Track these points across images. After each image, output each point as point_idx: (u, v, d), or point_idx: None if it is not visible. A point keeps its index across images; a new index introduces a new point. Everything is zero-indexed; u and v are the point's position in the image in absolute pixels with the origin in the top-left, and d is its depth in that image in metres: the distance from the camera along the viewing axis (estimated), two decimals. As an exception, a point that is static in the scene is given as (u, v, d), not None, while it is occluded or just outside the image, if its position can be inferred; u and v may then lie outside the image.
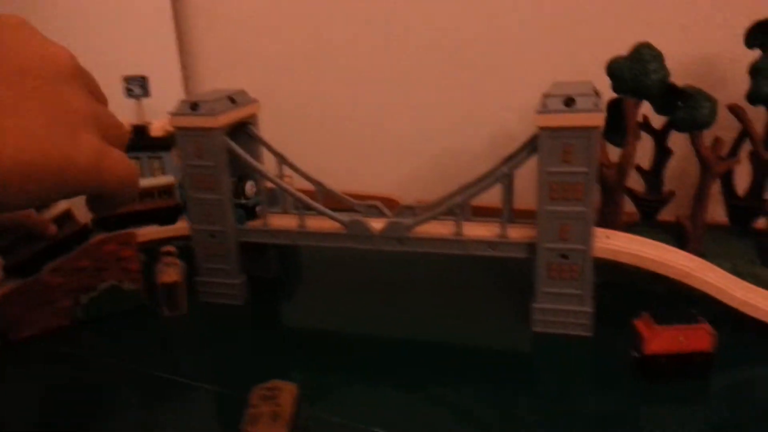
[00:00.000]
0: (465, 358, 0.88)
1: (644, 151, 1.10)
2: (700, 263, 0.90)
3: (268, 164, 1.08)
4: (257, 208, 1.05)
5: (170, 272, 1.03)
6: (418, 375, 0.85)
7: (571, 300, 0.89)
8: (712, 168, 0.98)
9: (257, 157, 1.09)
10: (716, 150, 0.99)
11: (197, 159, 0.99)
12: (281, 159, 1.08)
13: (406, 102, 1.38)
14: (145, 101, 1.13)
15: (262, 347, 0.95)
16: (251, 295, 1.07)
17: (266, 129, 1.12)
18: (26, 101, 0.30)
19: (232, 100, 1.02)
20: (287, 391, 0.69)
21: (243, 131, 1.06)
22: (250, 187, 1.04)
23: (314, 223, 1.01)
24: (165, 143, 1.13)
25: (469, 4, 1.26)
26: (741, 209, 1.08)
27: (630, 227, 1.06)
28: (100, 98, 0.37)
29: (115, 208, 0.37)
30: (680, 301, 0.87)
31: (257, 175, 1.04)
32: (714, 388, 0.79)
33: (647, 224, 1.11)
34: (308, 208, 0.99)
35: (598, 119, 0.80)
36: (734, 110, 0.98)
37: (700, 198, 1.01)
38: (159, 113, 1.07)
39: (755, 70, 0.94)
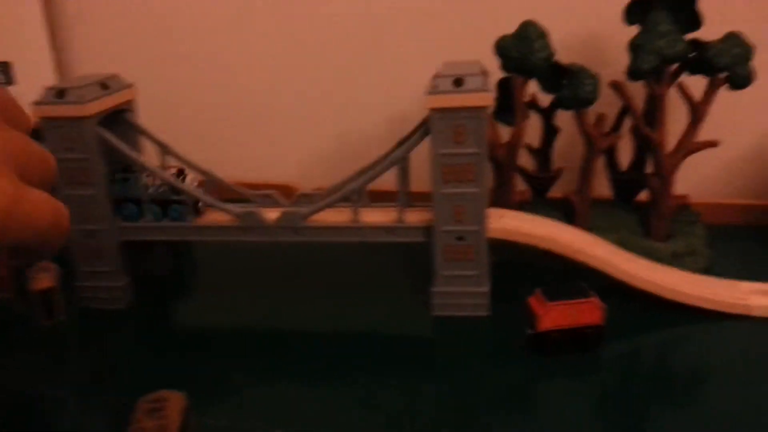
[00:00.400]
0: (366, 348, 0.86)
1: (533, 129, 1.12)
2: (588, 239, 0.93)
3: (150, 155, 1.01)
4: (199, 204, 0.96)
5: (44, 278, 0.94)
6: (320, 368, 0.82)
7: (469, 281, 0.90)
8: (596, 144, 1.01)
9: (137, 147, 1.01)
10: (600, 126, 1.02)
11: (67, 152, 0.90)
12: (164, 149, 1.01)
13: (299, 87, 1.33)
14: (10, 89, 1.02)
15: (149, 354, 0.88)
16: (138, 296, 1.00)
17: (149, 117, 1.04)
18: None
19: (104, 85, 0.94)
20: (174, 402, 0.64)
21: (119, 120, 0.98)
22: (191, 180, 0.96)
23: (205, 217, 0.95)
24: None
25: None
26: (625, 183, 1.12)
27: (522, 205, 1.08)
28: (18, 123, 0.30)
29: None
30: (572, 276, 0.89)
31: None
32: (605, 359, 0.82)
33: (539, 202, 1.14)
34: (198, 200, 0.93)
35: (488, 99, 0.80)
36: (616, 86, 1.02)
37: (585, 174, 1.04)
38: (27, 103, 0.97)
39: (634, 47, 0.97)
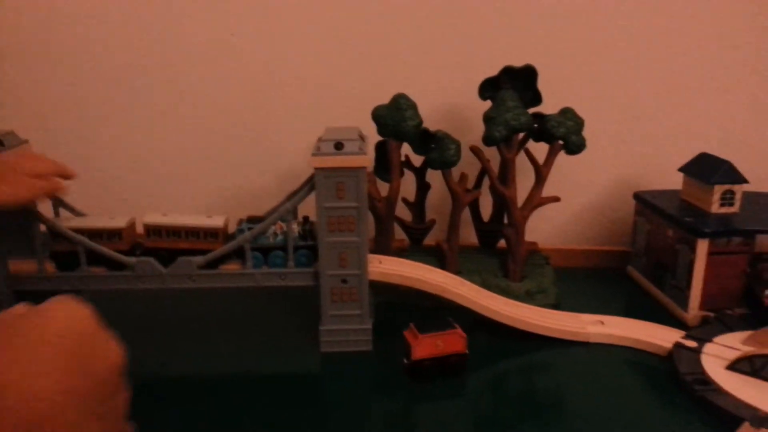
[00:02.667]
0: (258, 387, 0.93)
1: (409, 185, 1.27)
2: (455, 280, 1.07)
3: (46, 207, 1.04)
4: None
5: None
6: (211, 411, 0.87)
7: (353, 320, 1.00)
8: (461, 199, 1.17)
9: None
10: (463, 184, 1.18)
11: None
12: (58, 201, 1.04)
13: (192, 144, 1.40)
14: None
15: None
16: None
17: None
18: None
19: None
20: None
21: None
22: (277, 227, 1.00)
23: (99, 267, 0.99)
24: None
25: (250, 58, 1.34)
26: (487, 233, 1.29)
27: (401, 252, 1.21)
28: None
29: None
30: (441, 312, 1.02)
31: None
32: (471, 383, 0.95)
33: (415, 249, 1.28)
34: (91, 250, 0.98)
35: (364, 161, 0.93)
36: (474, 151, 1.19)
37: (452, 224, 1.19)
38: None
39: (488, 118, 1.16)
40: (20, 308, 0.37)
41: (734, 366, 0.91)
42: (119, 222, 1.00)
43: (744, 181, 1.12)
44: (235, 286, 0.99)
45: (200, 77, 1.36)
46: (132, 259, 0.98)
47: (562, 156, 1.20)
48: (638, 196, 1.26)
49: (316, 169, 0.93)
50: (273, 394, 0.91)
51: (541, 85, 1.18)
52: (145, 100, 1.38)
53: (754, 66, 1.28)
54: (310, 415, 0.87)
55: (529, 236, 1.32)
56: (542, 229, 1.39)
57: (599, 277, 1.34)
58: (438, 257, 1.22)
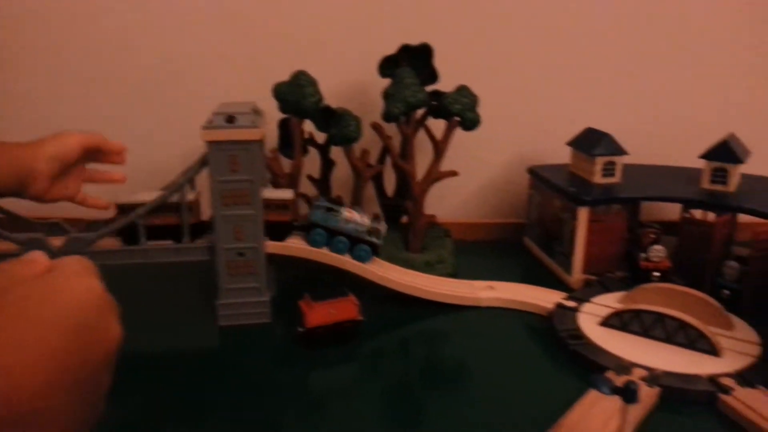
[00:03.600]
0: (152, 366, 0.93)
1: (314, 162, 1.29)
2: (352, 251, 1.10)
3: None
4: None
5: None
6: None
7: (251, 293, 1.02)
8: (362, 174, 1.21)
9: None
10: (364, 159, 1.22)
11: None
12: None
13: (96, 121, 1.37)
14: None
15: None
16: None
17: None
18: None
19: None
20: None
21: None
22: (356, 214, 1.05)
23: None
24: None
25: (152, 35, 1.32)
26: (391, 207, 1.33)
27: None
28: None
29: None
30: (337, 281, 1.05)
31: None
32: (366, 349, 0.99)
33: (322, 225, 1.31)
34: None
35: (256, 134, 0.94)
36: (375, 128, 1.22)
37: (356, 200, 1.23)
38: None
39: (387, 95, 1.19)
40: (37, 258, 0.35)
41: (606, 322, 0.99)
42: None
43: (624, 152, 1.20)
44: (127, 262, 0.99)
45: (112, 61, 1.33)
46: (22, 236, 0.96)
47: (463, 134, 1.25)
48: (532, 171, 1.33)
49: (208, 142, 0.94)
50: (169, 372, 0.92)
51: (439, 63, 1.22)
52: (62, 80, 1.34)
53: (636, 48, 1.37)
54: (207, 390, 0.88)
55: (432, 211, 1.37)
56: (445, 203, 1.44)
57: (497, 247, 1.40)
58: (342, 232, 1.25)
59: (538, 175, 1.30)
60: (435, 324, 1.07)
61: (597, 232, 1.15)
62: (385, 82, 1.23)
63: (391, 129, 1.24)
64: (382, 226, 1.10)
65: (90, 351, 0.33)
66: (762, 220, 1.06)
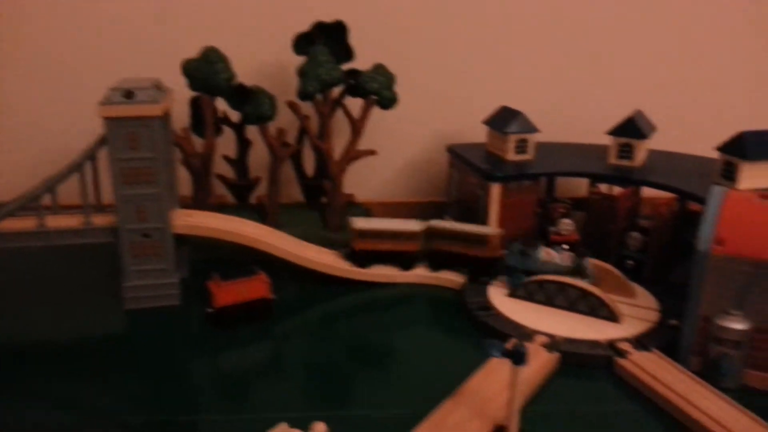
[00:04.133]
0: (57, 353, 0.90)
1: (230, 142, 1.27)
2: (267, 231, 1.09)
3: None
4: None
5: None
6: (15, 376, 0.84)
7: (158, 274, 0.99)
8: (278, 154, 1.19)
9: None
10: (280, 138, 1.20)
11: None
12: None
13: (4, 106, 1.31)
14: None
15: None
16: None
17: None
18: None
19: None
20: None
21: None
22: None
23: None
24: None
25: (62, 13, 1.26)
26: (311, 188, 1.32)
27: (223, 209, 1.21)
28: None
29: None
30: (249, 262, 1.03)
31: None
32: (279, 328, 0.98)
33: (241, 206, 1.29)
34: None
35: (157, 109, 0.92)
36: (291, 106, 1.21)
37: (272, 179, 1.21)
38: None
39: (301, 73, 1.17)
40: None
41: (513, 293, 1.01)
42: None
43: (535, 130, 1.23)
44: (28, 245, 0.95)
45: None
46: None
47: (384, 113, 1.25)
48: (450, 149, 1.34)
49: (106, 119, 0.90)
50: (74, 359, 0.88)
51: (356, 42, 1.22)
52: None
53: (549, 29, 1.40)
54: (115, 376, 0.85)
55: (354, 191, 1.37)
56: (366, 183, 1.44)
57: (419, 226, 1.41)
58: (260, 213, 1.24)
59: (456, 154, 1.31)
60: (352, 301, 1.07)
61: (509, 207, 1.17)
62: (302, 60, 1.21)
63: (309, 108, 1.23)
64: (587, 262, 1.01)
65: None
66: (664, 193, 1.10)
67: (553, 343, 0.89)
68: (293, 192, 1.37)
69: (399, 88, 1.24)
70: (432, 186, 1.47)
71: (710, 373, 0.83)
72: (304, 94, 1.17)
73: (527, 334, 0.91)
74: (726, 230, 0.81)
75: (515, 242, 1.05)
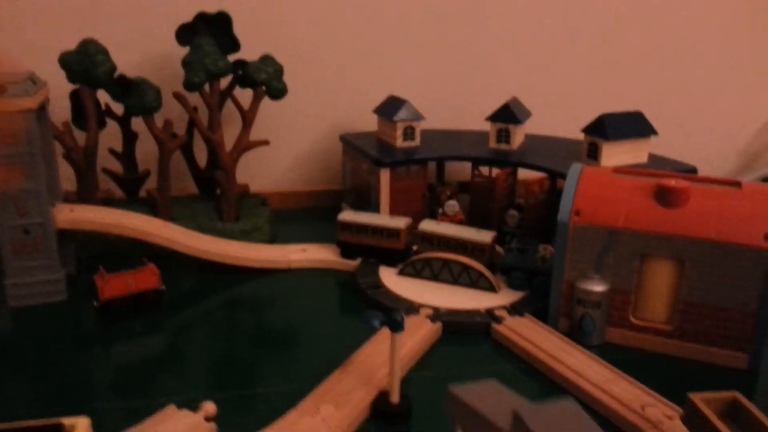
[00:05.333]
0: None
1: (116, 135, 1.24)
2: (156, 223, 1.08)
3: None
4: None
5: None
6: None
7: (42, 271, 0.97)
8: (166, 146, 1.18)
9: None
10: (168, 130, 1.19)
11: None
12: None
13: None
14: None
15: None
16: None
17: None
18: None
19: None
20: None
21: None
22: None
23: None
24: None
25: None
26: (204, 179, 1.32)
27: (112, 204, 1.19)
28: None
29: None
30: (140, 255, 1.02)
31: None
32: (170, 320, 0.98)
33: (131, 201, 1.26)
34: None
35: (31, 103, 0.89)
36: (178, 97, 1.20)
37: (162, 172, 1.20)
38: None
39: (185, 64, 1.17)
40: None
41: (403, 271, 1.07)
42: None
43: (421, 117, 1.29)
44: None
45: None
46: None
47: (279, 104, 1.26)
48: (343, 138, 1.38)
49: (-26, 113, 0.87)
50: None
51: (245, 33, 1.23)
52: None
53: (434, 20, 1.46)
54: (4, 377, 0.83)
55: (250, 181, 1.38)
56: (263, 173, 1.45)
57: (316, 214, 1.44)
58: (152, 207, 1.22)
59: (348, 142, 1.35)
60: (250, 288, 1.09)
61: (399, 191, 1.22)
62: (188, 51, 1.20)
63: (198, 100, 1.22)
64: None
65: None
66: (539, 173, 1.19)
67: (437, 315, 0.95)
68: (187, 184, 1.36)
69: (292, 79, 1.26)
70: (328, 174, 1.50)
71: (576, 332, 0.92)
72: (191, 85, 1.17)
73: (414, 308, 0.96)
74: (582, 202, 0.89)
75: (513, 241, 1.06)
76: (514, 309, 0.97)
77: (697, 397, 0.64)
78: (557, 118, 1.45)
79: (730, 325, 0.85)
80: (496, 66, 1.51)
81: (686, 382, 0.83)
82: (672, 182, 0.87)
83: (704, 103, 1.63)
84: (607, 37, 1.54)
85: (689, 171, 1.13)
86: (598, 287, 0.90)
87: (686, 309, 0.87)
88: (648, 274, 0.88)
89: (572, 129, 1.29)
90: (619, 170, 0.96)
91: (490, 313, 0.96)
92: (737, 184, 0.89)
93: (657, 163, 1.17)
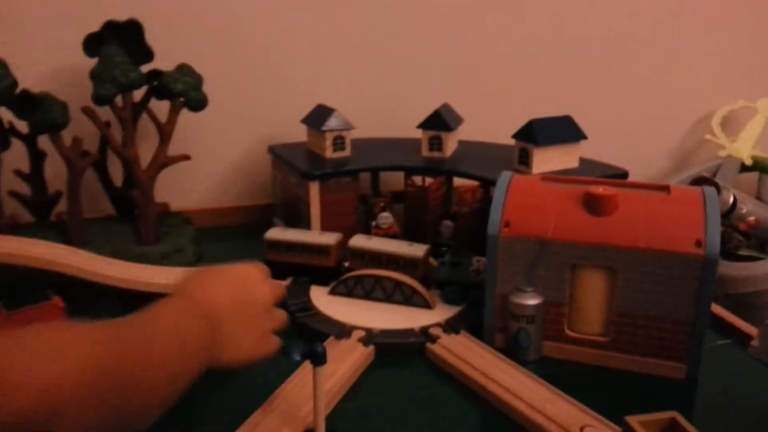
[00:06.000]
0: None
1: (23, 155, 1.15)
2: (61, 250, 1.00)
3: None
4: None
5: None
6: None
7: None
8: (75, 165, 1.10)
9: None
10: (77, 148, 1.10)
11: None
12: None
13: None
14: None
15: None
16: None
17: None
18: None
19: None
20: None
21: None
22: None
23: None
24: None
25: None
26: (121, 199, 1.23)
27: (20, 230, 1.10)
28: None
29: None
30: (45, 286, 0.94)
31: None
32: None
33: (40, 225, 1.17)
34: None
35: None
36: (87, 112, 1.12)
37: (72, 193, 1.11)
38: None
39: (94, 76, 1.09)
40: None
41: (334, 290, 1.02)
42: None
43: (351, 127, 1.24)
44: None
45: None
46: None
47: (201, 116, 1.19)
48: (272, 150, 1.32)
49: None
50: None
51: (160, 41, 1.15)
52: None
53: (363, 25, 1.42)
54: None
55: (173, 199, 1.30)
56: (186, 191, 1.38)
57: (247, 231, 1.38)
58: (62, 231, 1.13)
59: (277, 154, 1.30)
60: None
61: (330, 205, 1.17)
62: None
63: (109, 114, 1.14)
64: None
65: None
66: (470, 181, 1.17)
67: (369, 337, 0.90)
68: (104, 205, 1.27)
69: (214, 90, 1.19)
70: (258, 189, 1.44)
71: (512, 348, 0.89)
72: (100, 99, 1.09)
73: (346, 330, 0.91)
74: (512, 213, 0.87)
75: (446, 254, 1.02)
76: (450, 326, 0.94)
77: (634, 420, 0.61)
78: (491, 123, 1.43)
79: (665, 334, 0.83)
80: (427, 72, 1.48)
81: (625, 396, 0.82)
82: (600, 189, 0.85)
83: (634, 103, 1.65)
84: (535, 39, 1.54)
85: (620, 175, 1.12)
86: (532, 301, 0.87)
87: (621, 320, 0.85)
88: (581, 285, 0.86)
89: (506, 134, 1.27)
90: (547, 178, 0.94)
91: (424, 331, 0.92)
92: (666, 189, 0.88)
93: (588, 167, 1.15)
